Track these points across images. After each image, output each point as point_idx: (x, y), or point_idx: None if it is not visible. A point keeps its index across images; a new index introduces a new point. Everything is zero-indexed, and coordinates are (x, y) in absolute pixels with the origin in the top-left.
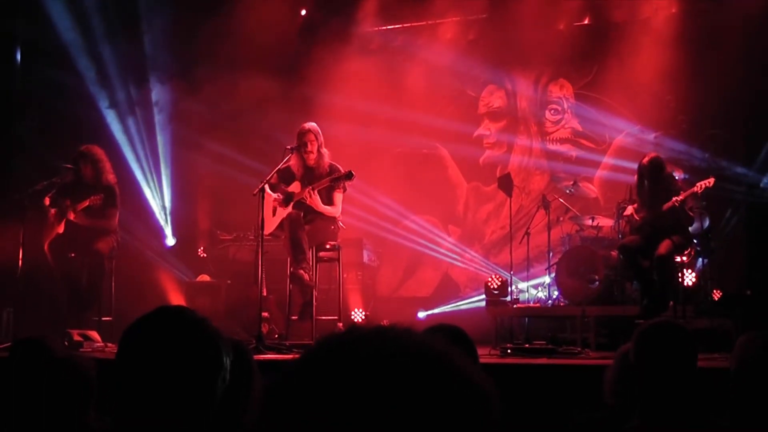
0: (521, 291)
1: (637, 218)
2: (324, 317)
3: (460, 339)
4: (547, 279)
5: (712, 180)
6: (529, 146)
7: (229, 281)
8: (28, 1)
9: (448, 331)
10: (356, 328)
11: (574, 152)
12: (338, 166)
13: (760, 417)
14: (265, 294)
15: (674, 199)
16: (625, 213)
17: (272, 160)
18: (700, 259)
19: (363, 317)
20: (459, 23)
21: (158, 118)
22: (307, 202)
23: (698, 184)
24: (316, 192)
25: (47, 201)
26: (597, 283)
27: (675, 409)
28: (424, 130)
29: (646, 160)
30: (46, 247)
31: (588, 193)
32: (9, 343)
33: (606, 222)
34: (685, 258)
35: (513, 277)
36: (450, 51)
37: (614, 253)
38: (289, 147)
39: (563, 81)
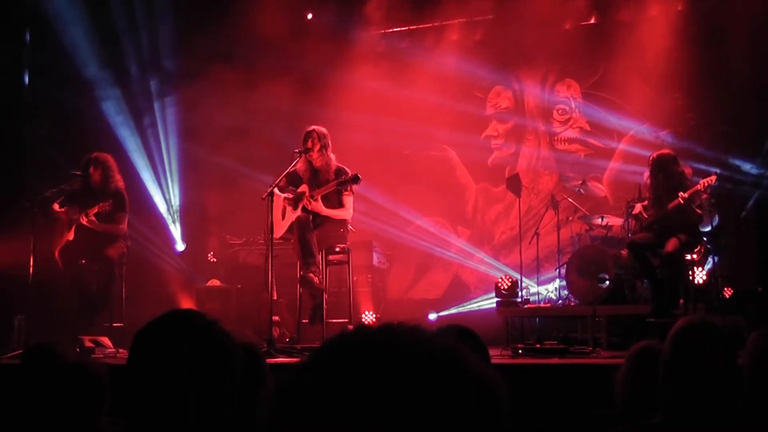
0: (532, 291)
1: (646, 216)
2: (335, 320)
3: (471, 339)
4: (557, 279)
5: (713, 177)
6: (537, 146)
7: (239, 286)
8: (36, 8)
9: (458, 332)
10: (364, 327)
11: (582, 152)
12: (346, 169)
13: None
14: (275, 298)
15: (680, 195)
16: (633, 212)
17: (281, 163)
18: (711, 257)
19: (373, 320)
20: (465, 24)
21: (167, 124)
22: (309, 208)
23: (701, 182)
24: (318, 198)
25: (56, 207)
26: (607, 282)
27: (706, 408)
28: (431, 132)
29: (656, 156)
30: (56, 254)
31: (597, 193)
32: (21, 350)
33: (615, 221)
34: (695, 256)
35: (523, 278)
36: (456, 52)
37: (624, 252)
38: (297, 150)
39: (570, 81)
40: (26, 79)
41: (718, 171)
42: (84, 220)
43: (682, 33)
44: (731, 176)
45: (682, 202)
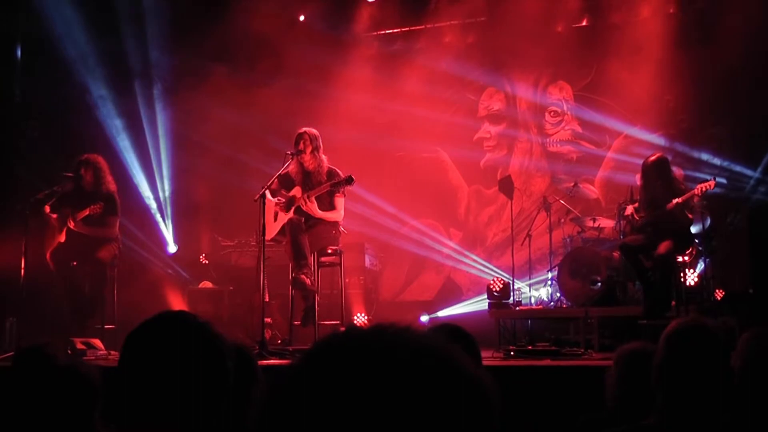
0: (523, 293)
1: (637, 218)
2: (326, 322)
3: (462, 338)
4: (549, 281)
5: (712, 183)
6: (529, 148)
7: (231, 287)
8: (30, 11)
9: (448, 330)
10: (355, 327)
11: (574, 154)
12: (338, 170)
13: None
14: (267, 300)
15: (674, 201)
16: (625, 213)
17: (273, 165)
18: (703, 259)
19: (365, 321)
20: (458, 26)
21: (159, 126)
22: (304, 209)
23: (698, 187)
24: (313, 199)
25: (47, 209)
26: (599, 284)
27: (700, 409)
28: (424, 134)
29: (651, 159)
30: (48, 255)
31: (589, 195)
32: (12, 353)
33: (607, 223)
34: (686, 258)
35: (515, 280)
36: (449, 54)
37: (616, 254)
38: (289, 152)
39: (562, 83)
40: (18, 82)
41: (722, 180)
42: (71, 224)
43: (673, 35)
44: (724, 178)
45: (680, 201)
